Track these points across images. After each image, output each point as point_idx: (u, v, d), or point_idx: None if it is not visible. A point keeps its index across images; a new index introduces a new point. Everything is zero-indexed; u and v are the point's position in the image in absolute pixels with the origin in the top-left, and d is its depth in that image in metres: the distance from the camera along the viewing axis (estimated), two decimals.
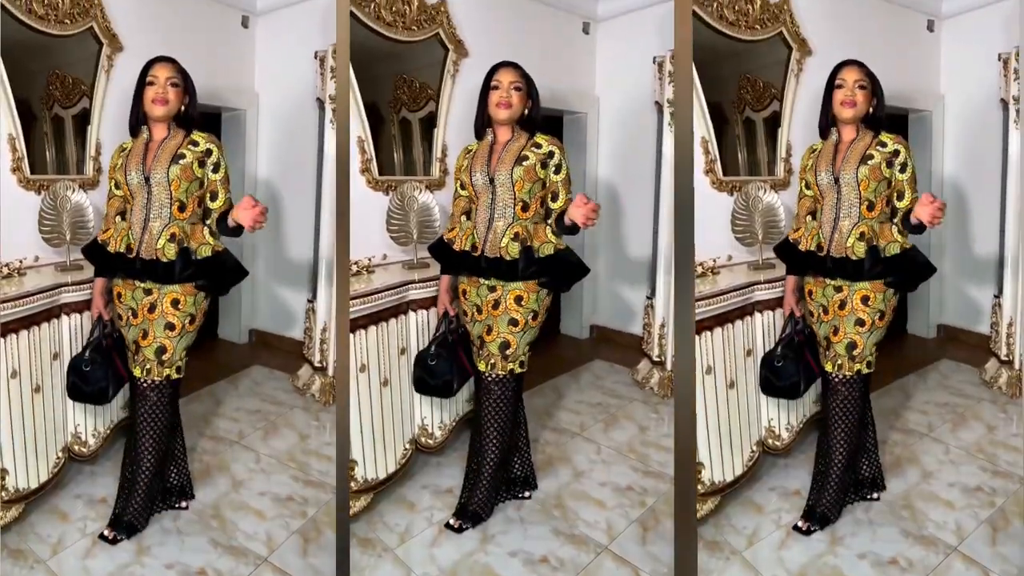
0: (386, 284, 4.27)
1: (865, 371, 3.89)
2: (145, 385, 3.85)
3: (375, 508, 4.15)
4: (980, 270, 4.99)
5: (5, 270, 4.00)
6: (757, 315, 4.21)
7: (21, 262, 4.07)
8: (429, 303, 4.32)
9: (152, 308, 3.79)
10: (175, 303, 3.79)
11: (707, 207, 4.16)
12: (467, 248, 3.97)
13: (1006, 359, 4.75)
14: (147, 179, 3.77)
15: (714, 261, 4.23)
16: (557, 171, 3.92)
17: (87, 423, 4.28)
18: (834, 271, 3.83)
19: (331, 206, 4.66)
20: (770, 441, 4.30)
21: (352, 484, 4.07)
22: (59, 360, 4.10)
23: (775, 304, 4.20)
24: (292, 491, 4.30)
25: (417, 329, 4.34)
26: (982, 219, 4.97)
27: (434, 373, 4.14)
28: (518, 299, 3.91)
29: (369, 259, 4.31)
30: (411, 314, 4.34)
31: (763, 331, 4.22)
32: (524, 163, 3.88)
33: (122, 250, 3.82)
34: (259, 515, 4.14)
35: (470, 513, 4.04)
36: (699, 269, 4.09)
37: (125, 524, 3.91)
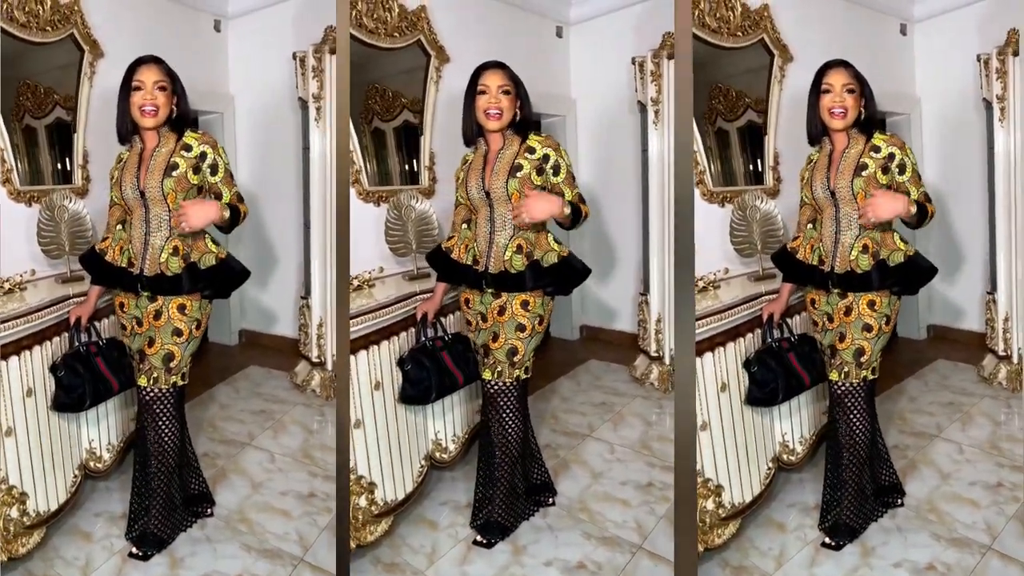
0: (391, 298, 4.20)
1: (871, 377, 3.81)
2: (152, 394, 3.76)
3: (395, 531, 4.06)
4: (966, 269, 5.08)
5: (6, 286, 3.86)
6: None
7: (22, 276, 3.92)
8: (437, 313, 4.22)
9: (158, 315, 3.71)
10: (181, 308, 3.72)
11: (699, 219, 3.99)
12: (468, 262, 3.89)
13: (1004, 354, 4.83)
14: (142, 193, 3.66)
15: (715, 275, 4.10)
16: (556, 172, 3.81)
17: (101, 437, 4.20)
18: (839, 286, 3.75)
19: (321, 206, 4.60)
20: (784, 456, 4.25)
21: (373, 508, 4.00)
22: None
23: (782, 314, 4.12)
24: (313, 488, 4.26)
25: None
26: (964, 219, 5.06)
27: (413, 381, 4.10)
28: (524, 304, 3.84)
29: (369, 273, 4.20)
30: None
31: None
32: (518, 174, 3.77)
33: (124, 264, 3.73)
34: (285, 515, 4.10)
35: (494, 525, 3.97)
36: (700, 284, 3.99)
37: (151, 537, 3.83)
